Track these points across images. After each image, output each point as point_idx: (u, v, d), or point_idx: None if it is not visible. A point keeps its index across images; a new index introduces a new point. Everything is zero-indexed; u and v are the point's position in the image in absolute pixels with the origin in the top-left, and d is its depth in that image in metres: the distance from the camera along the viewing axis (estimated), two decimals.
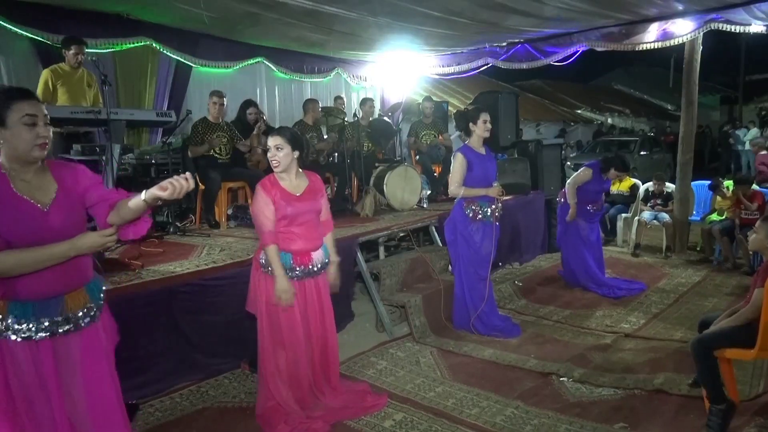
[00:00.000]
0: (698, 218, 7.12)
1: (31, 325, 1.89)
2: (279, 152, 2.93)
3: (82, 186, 2.03)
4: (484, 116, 4.31)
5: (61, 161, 2.13)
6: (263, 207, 2.93)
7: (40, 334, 1.90)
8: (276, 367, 3.01)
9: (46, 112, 1.93)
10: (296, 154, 2.99)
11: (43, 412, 1.94)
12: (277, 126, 6.86)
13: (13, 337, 1.88)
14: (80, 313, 2.00)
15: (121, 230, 2.01)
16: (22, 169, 1.91)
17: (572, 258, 5.58)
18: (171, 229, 4.93)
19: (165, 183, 1.86)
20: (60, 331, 1.95)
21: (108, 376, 2.10)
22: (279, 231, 2.96)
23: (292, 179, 3.03)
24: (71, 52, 4.77)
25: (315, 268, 3.05)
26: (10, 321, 1.88)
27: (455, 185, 4.27)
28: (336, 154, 6.55)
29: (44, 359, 1.93)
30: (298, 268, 2.99)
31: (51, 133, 1.93)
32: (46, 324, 1.91)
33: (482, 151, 4.38)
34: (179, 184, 1.85)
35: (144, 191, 1.90)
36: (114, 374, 2.14)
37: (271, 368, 3.01)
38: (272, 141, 2.95)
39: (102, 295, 2.12)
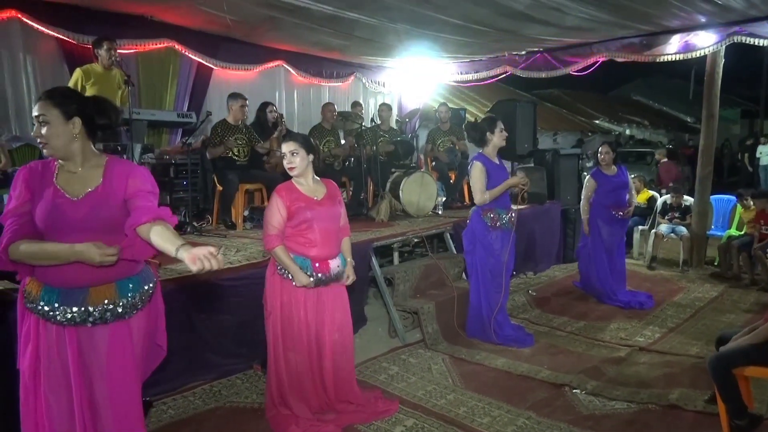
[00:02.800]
0: (718, 232, 7.04)
1: (56, 311, 1.99)
2: (295, 157, 2.97)
3: (132, 189, 2.06)
4: (501, 125, 4.32)
5: (125, 160, 2.22)
6: (274, 212, 2.96)
7: (63, 321, 2.00)
8: (285, 369, 3.03)
9: (39, 113, 1.97)
10: (311, 157, 3.03)
11: (60, 390, 2.03)
12: (295, 130, 6.95)
13: (46, 318, 2.01)
14: (101, 307, 2.03)
15: (126, 250, 2.00)
16: (66, 163, 2.05)
17: (591, 269, 5.54)
18: (188, 229, 4.98)
19: (198, 256, 1.76)
20: (79, 320, 2.02)
21: (132, 371, 2.14)
22: (297, 235, 2.98)
23: (309, 184, 3.05)
24: (104, 49, 4.80)
25: (332, 276, 3.06)
26: (41, 303, 2.00)
27: (480, 193, 4.22)
28: (351, 160, 6.57)
29: (68, 345, 2.02)
30: (319, 275, 2.99)
31: (47, 133, 1.97)
32: (68, 313, 2.00)
33: (496, 161, 4.37)
34: (209, 264, 1.77)
35: (180, 247, 1.81)
36: (139, 373, 2.20)
37: (280, 370, 3.03)
38: (286, 147, 2.99)
39: (136, 294, 2.12)
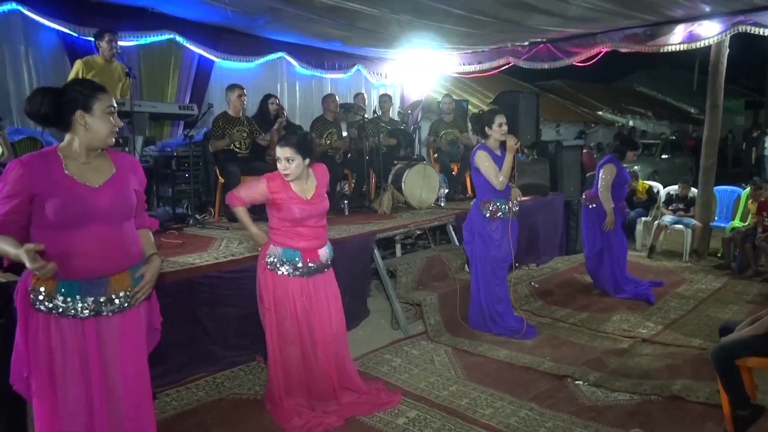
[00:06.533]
0: (721, 224, 7.03)
1: (77, 304, 1.99)
2: (291, 164, 2.91)
3: (140, 184, 2.22)
4: (500, 119, 4.24)
5: (123, 152, 2.28)
6: (254, 189, 3.02)
7: (85, 312, 2.00)
8: (284, 363, 3.04)
9: (114, 103, 2.12)
10: (307, 161, 2.96)
11: (76, 385, 2.02)
12: (297, 122, 6.92)
13: (61, 314, 1.98)
14: (122, 294, 2.08)
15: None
16: (86, 154, 2.05)
17: (612, 263, 5.38)
18: (190, 222, 4.98)
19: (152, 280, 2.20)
20: (104, 310, 2.04)
21: (142, 356, 2.20)
22: (286, 229, 2.99)
23: (302, 183, 3.02)
24: (105, 41, 4.81)
25: (321, 265, 3.07)
26: (59, 299, 1.97)
27: (495, 177, 4.18)
28: (353, 152, 6.55)
29: (88, 337, 2.03)
30: (310, 265, 3.01)
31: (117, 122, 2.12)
32: (91, 303, 2.01)
33: (498, 153, 4.34)
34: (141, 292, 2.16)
35: (152, 256, 2.25)
36: (147, 356, 2.24)
37: (279, 363, 3.05)
38: (282, 153, 2.91)
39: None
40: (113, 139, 2.10)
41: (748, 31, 5.83)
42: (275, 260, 2.99)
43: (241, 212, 3.09)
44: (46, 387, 2.00)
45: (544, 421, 3.03)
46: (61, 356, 1.99)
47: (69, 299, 1.98)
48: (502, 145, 4.29)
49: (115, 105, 2.11)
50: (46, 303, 1.97)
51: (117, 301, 2.06)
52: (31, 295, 1.98)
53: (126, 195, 2.11)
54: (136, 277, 2.14)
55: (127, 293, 2.10)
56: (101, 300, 2.02)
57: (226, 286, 3.62)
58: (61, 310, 1.98)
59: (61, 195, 1.95)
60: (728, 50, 6.49)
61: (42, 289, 1.97)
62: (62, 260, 1.93)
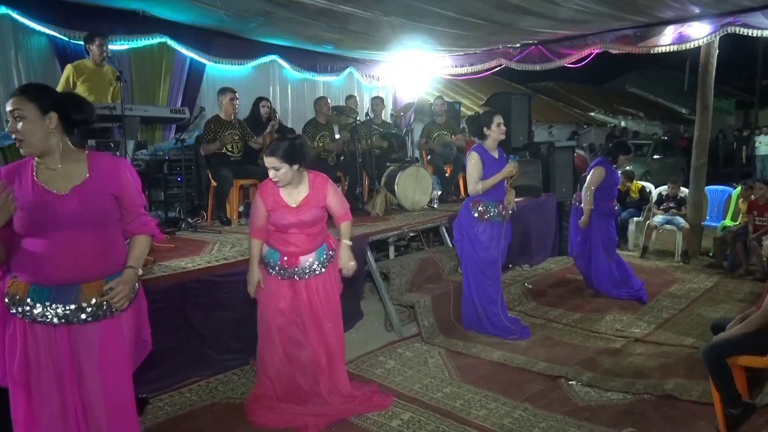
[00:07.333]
0: (713, 223, 7.07)
1: (46, 310, 1.96)
2: (278, 172, 2.92)
3: (120, 187, 2.10)
4: (498, 119, 4.29)
5: (107, 154, 2.21)
6: (258, 206, 3.06)
7: (54, 319, 1.97)
8: (271, 361, 3.10)
9: (14, 107, 1.95)
10: (296, 167, 2.95)
11: (51, 394, 2.00)
12: (289, 125, 6.91)
13: (33, 320, 1.97)
14: (93, 301, 2.02)
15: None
16: (44, 159, 2.01)
17: (604, 264, 5.37)
18: (183, 225, 4.97)
19: (123, 292, 2.06)
20: (75, 319, 2.00)
21: (124, 368, 2.14)
22: (276, 232, 3.04)
23: (291, 189, 3.02)
24: (95, 45, 4.78)
25: (301, 270, 3.05)
26: (29, 303, 1.96)
27: (473, 183, 4.24)
28: (346, 154, 6.54)
29: (60, 344, 2.00)
30: (287, 268, 3.04)
31: (23, 129, 1.94)
32: (60, 310, 1.98)
33: (495, 154, 4.35)
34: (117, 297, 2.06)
35: (129, 267, 2.13)
36: (130, 367, 2.20)
37: (267, 362, 3.12)
38: (269, 162, 2.92)
39: None
40: (21, 148, 1.97)
41: (737, 32, 5.90)
42: (263, 259, 3.08)
43: (252, 245, 3.10)
44: (22, 390, 1.99)
45: (538, 422, 3.04)
46: (36, 362, 1.98)
47: (39, 305, 1.96)
48: (500, 145, 4.35)
49: (10, 107, 1.95)
50: (18, 308, 1.97)
51: (89, 309, 2.01)
52: (6, 299, 1.98)
53: (97, 201, 2.02)
54: (105, 289, 2.05)
55: (102, 302, 2.04)
56: (71, 307, 1.99)
57: (219, 289, 3.60)
58: (31, 315, 1.97)
59: (28, 202, 1.94)
60: (718, 51, 6.54)
61: (15, 293, 1.97)
62: (34, 266, 1.93)
